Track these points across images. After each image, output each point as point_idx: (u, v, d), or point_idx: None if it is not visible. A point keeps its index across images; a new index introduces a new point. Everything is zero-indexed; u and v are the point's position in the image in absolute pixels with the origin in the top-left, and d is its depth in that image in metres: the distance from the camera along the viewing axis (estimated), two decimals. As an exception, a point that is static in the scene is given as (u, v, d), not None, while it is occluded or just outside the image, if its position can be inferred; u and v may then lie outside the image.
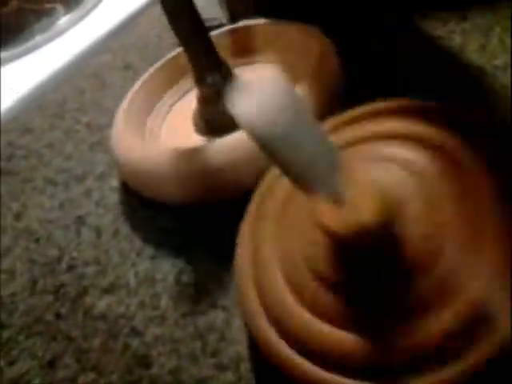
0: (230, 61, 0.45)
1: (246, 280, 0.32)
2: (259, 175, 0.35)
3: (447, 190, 0.28)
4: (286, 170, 0.25)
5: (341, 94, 0.41)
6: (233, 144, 0.39)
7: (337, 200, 0.25)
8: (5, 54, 0.72)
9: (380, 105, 0.34)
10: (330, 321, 0.27)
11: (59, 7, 0.80)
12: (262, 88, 0.24)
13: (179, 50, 0.50)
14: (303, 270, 0.29)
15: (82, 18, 0.75)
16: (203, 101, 0.45)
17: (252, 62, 0.50)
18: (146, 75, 0.49)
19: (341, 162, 0.25)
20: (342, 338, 0.26)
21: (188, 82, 0.50)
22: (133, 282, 0.39)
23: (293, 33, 0.48)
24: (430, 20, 0.52)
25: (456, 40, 0.49)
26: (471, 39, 0.49)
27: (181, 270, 0.39)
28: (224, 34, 0.51)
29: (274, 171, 0.34)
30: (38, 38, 0.73)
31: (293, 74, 0.46)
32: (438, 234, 0.26)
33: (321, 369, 0.26)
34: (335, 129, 0.34)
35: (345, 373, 0.26)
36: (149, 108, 0.48)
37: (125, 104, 0.47)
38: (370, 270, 0.27)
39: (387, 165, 0.30)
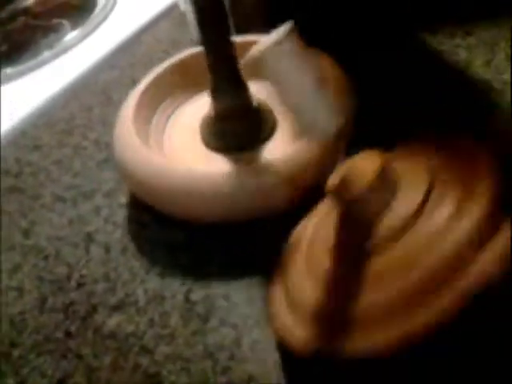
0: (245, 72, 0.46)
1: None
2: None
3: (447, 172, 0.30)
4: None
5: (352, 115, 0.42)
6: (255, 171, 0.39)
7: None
8: (12, 70, 0.72)
9: None
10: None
11: (66, 23, 0.80)
12: None
13: (178, 57, 0.51)
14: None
15: (88, 33, 0.75)
16: (217, 117, 0.45)
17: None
18: (146, 82, 0.49)
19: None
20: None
21: (186, 89, 0.51)
22: (142, 299, 0.39)
23: (317, 60, 0.47)
24: (435, 35, 0.52)
25: (462, 55, 0.49)
26: (477, 54, 0.49)
27: (190, 288, 0.39)
28: (242, 43, 0.51)
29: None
30: (46, 54, 0.74)
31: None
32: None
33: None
34: None
35: None
36: (152, 112, 0.49)
37: (130, 104, 0.47)
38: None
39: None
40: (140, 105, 0.47)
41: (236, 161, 0.43)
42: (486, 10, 0.52)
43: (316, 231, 0.35)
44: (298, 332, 0.30)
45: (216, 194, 0.39)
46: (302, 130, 0.32)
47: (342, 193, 0.30)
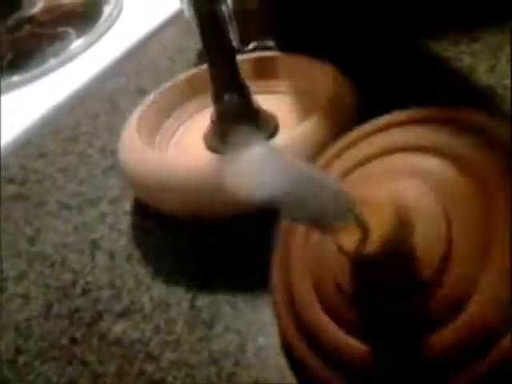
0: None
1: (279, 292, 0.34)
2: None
3: (462, 200, 0.28)
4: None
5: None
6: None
7: (352, 225, 0.26)
8: (18, 78, 0.73)
9: (393, 116, 0.34)
10: (349, 330, 0.29)
11: (71, 31, 0.81)
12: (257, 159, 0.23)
13: (190, 71, 0.52)
14: (330, 284, 0.30)
15: (94, 41, 0.76)
16: (218, 119, 0.45)
17: (269, 91, 0.51)
18: (156, 93, 0.50)
19: (353, 203, 0.25)
20: (356, 347, 0.28)
21: (195, 103, 0.51)
22: (148, 306, 0.39)
23: (308, 66, 0.49)
24: (440, 41, 0.52)
25: (466, 61, 0.50)
26: (481, 60, 0.49)
27: (195, 294, 0.39)
28: (246, 60, 0.52)
29: None
30: (51, 62, 0.74)
31: (306, 105, 0.47)
32: (447, 248, 0.27)
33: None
34: (351, 144, 0.35)
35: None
36: (158, 123, 0.49)
37: (136, 115, 0.47)
38: (383, 286, 0.28)
39: (404, 178, 0.31)
40: (146, 115, 0.48)
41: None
42: (490, 15, 0.52)
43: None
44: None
45: (213, 189, 0.38)
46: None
47: (361, 253, 0.26)
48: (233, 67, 0.44)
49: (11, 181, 0.54)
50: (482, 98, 0.45)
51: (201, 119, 0.50)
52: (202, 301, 0.38)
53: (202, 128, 0.48)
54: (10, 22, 0.84)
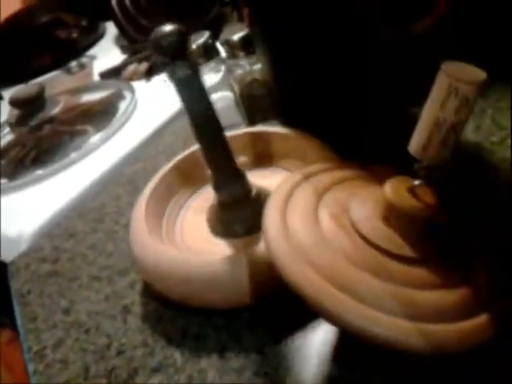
0: (247, 161, 0.50)
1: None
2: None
3: None
4: None
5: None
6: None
7: None
8: (44, 172, 0.78)
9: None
10: None
11: (90, 128, 0.88)
12: None
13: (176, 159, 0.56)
14: None
15: (111, 135, 0.82)
16: (221, 206, 0.49)
17: (267, 166, 0.56)
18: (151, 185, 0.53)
19: None
20: None
21: (188, 187, 0.56)
22: (180, 360, 0.42)
23: (300, 142, 0.53)
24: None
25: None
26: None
27: (224, 346, 0.42)
28: (244, 134, 0.57)
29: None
30: (73, 156, 0.80)
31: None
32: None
33: None
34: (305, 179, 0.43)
35: None
36: (162, 210, 0.53)
37: (140, 208, 0.50)
38: None
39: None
40: (149, 207, 0.50)
41: (240, 245, 0.47)
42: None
43: None
44: None
45: (214, 279, 0.42)
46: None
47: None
48: (228, 162, 0.46)
49: (44, 260, 0.58)
50: (472, 153, 0.50)
51: (196, 200, 0.55)
52: (231, 351, 0.41)
53: (199, 209, 0.52)
54: (32, 123, 0.91)
